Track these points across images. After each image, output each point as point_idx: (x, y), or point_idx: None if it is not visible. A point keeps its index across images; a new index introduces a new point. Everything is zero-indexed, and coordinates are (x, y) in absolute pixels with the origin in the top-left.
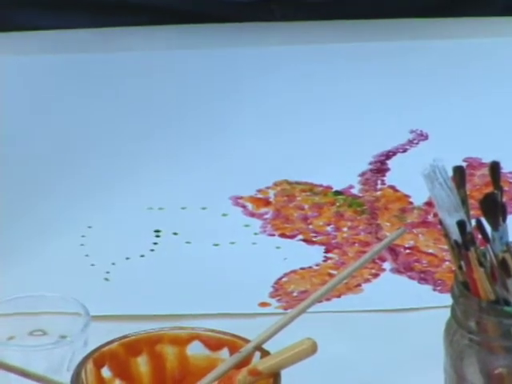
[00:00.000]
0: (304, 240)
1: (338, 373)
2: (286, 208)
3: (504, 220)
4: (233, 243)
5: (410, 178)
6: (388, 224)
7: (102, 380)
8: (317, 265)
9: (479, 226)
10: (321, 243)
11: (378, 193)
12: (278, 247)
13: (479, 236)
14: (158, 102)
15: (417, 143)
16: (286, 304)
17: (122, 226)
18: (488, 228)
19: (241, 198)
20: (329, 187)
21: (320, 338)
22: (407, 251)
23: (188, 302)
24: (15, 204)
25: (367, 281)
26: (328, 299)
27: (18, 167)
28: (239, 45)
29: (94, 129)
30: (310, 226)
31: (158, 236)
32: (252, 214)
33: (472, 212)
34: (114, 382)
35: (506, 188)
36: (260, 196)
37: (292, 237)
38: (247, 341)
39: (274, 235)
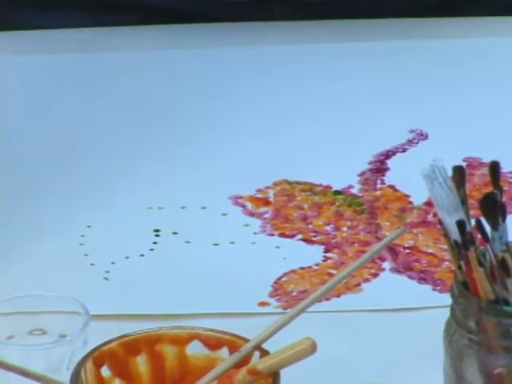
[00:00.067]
0: (303, 240)
1: (338, 372)
2: (285, 208)
3: (503, 220)
4: (232, 243)
5: (410, 178)
6: (387, 224)
7: (101, 379)
8: (316, 264)
9: (479, 225)
10: (320, 243)
11: (378, 192)
12: (277, 247)
13: (479, 236)
14: (158, 102)
15: (416, 143)
16: (285, 304)
17: (121, 225)
18: (487, 228)
19: (240, 197)
20: (328, 187)
21: (319, 338)
22: (407, 251)
23: (187, 301)
24: (15, 204)
25: (367, 280)
26: (327, 299)
27: (17, 167)
28: (239, 44)
29: (94, 128)
30: (310, 226)
31: (157, 235)
32: (252, 214)
33: (472, 212)
34: (114, 381)
35: (505, 188)
36: (260, 196)
37: (291, 236)
38: (247, 340)
39: (273, 235)
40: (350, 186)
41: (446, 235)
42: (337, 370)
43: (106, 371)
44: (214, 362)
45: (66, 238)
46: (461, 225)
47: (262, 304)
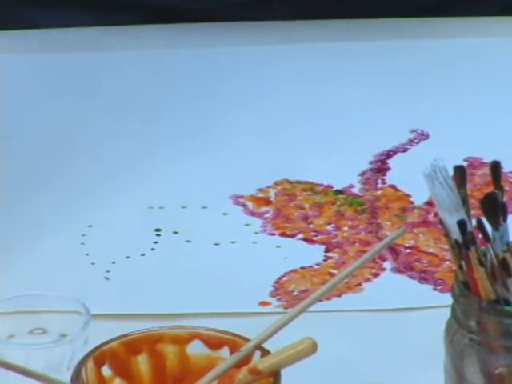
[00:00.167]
0: (304, 239)
1: (338, 372)
2: (286, 207)
3: (504, 220)
4: (233, 242)
5: (411, 178)
6: (388, 223)
7: (102, 379)
8: (317, 264)
9: (480, 225)
10: (321, 242)
11: (379, 192)
12: (278, 246)
13: (480, 236)
14: (159, 101)
15: (417, 142)
16: (286, 303)
17: (122, 224)
18: (488, 228)
19: (241, 197)
20: (329, 186)
21: (320, 338)
22: (408, 251)
23: (188, 301)
24: (15, 203)
25: (367, 280)
26: (328, 298)
27: (18, 166)
28: (240, 44)
29: (95, 128)
30: (311, 226)
31: (158, 235)
32: (252, 213)
33: (472, 212)
34: (114, 380)
35: (506, 188)
36: (260, 195)
37: (292, 236)
38: (247, 340)
39: (274, 234)
40: (351, 186)
41: (447, 235)
42: (337, 369)
43: (106, 371)
44: (214, 361)
45: (66, 238)
46: (462, 224)
47: (263, 303)
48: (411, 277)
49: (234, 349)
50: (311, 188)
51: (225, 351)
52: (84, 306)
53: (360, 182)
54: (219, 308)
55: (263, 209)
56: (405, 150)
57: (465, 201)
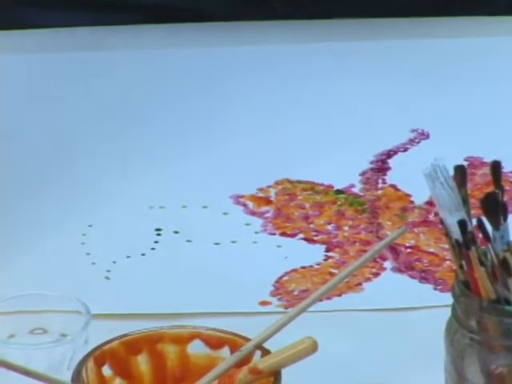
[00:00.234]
0: (305, 239)
1: (339, 372)
2: (286, 207)
3: (505, 219)
4: (234, 242)
5: (411, 177)
6: (389, 223)
7: (102, 378)
8: (318, 264)
9: (480, 225)
10: (322, 242)
11: (379, 192)
12: (278, 246)
13: (480, 235)
14: (159, 101)
15: (418, 142)
16: (286, 303)
17: (122, 224)
18: (489, 227)
19: (242, 196)
20: (330, 186)
21: (321, 337)
22: (408, 250)
23: (189, 300)
24: (16, 203)
25: (368, 280)
26: (329, 298)
27: (18, 166)
28: (241, 43)
29: (95, 127)
30: (311, 225)
31: (158, 235)
32: (253, 213)
33: (473, 211)
34: (115, 380)
35: (506, 187)
36: (261, 195)
37: (293, 236)
38: (248, 339)
39: (274, 234)
40: (352, 186)
41: (448, 235)
42: (338, 369)
43: (107, 370)
44: (215, 361)
45: (67, 237)
46: (462, 224)
47: (263, 303)
48: (412, 276)
49: (234, 348)
50: (312, 188)
51: (225, 351)
52: (84, 305)
53: (360, 181)
54: (219, 308)
55: (264, 208)
56: (405, 150)
57: (465, 200)
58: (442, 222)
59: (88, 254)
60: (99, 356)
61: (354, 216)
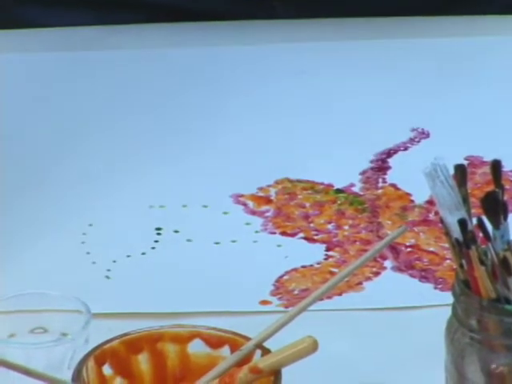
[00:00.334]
0: (305, 238)
1: (339, 371)
2: (287, 206)
3: (505, 218)
4: (234, 241)
5: (411, 176)
6: (389, 222)
7: (102, 377)
8: (318, 263)
9: (480, 224)
10: (322, 241)
11: (379, 191)
12: (279, 245)
13: (480, 234)
14: (161, 100)
15: (418, 141)
16: (286, 302)
17: (123, 223)
18: (489, 226)
19: (242, 196)
20: (330, 185)
21: (321, 336)
22: (408, 249)
23: (189, 299)
24: (16, 202)
25: (368, 279)
26: (329, 297)
27: (19, 165)
28: (241, 43)
29: (96, 127)
30: (311, 224)
31: (159, 234)
32: (253, 212)
33: (473, 210)
34: (115, 379)
35: (507, 186)
36: (261, 194)
37: (293, 235)
38: (248, 339)
39: (275, 233)
40: (352, 185)
41: (448, 234)
42: (338, 368)
43: (107, 369)
44: (215, 360)
45: (67, 237)
46: (462, 223)
47: (264, 302)
48: (412, 275)
49: (234, 348)
50: (312, 187)
51: (225, 350)
52: (85, 304)
53: (361, 180)
54: (220, 307)
55: (264, 208)
56: (405, 149)
57: (465, 199)
58: (442, 221)
59: (88, 253)
60: (99, 355)
61: (354, 215)
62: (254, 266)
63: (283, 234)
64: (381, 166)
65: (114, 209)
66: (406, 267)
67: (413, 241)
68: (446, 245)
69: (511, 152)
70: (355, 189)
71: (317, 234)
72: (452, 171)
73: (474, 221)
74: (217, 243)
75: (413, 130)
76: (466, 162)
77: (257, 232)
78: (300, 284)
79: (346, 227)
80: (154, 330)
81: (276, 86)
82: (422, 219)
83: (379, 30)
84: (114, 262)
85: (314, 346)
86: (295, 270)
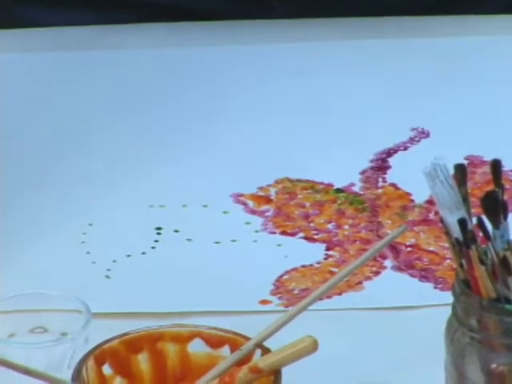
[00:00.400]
0: (305, 238)
1: (339, 370)
2: (287, 206)
3: (505, 218)
4: (234, 241)
5: (411, 176)
6: (389, 222)
7: (102, 377)
8: (318, 262)
9: (480, 223)
10: (322, 241)
11: (379, 190)
12: (279, 245)
13: (480, 234)
14: (160, 100)
15: (418, 141)
16: (286, 302)
17: (123, 223)
18: (489, 226)
19: (242, 195)
20: (330, 185)
21: (321, 336)
22: (408, 249)
23: (189, 299)
24: (16, 202)
25: (368, 278)
26: (329, 297)
27: (19, 165)
28: (241, 42)
29: (96, 126)
30: (311, 224)
31: (159, 233)
32: (253, 212)
33: (473, 210)
34: (115, 379)
35: (507, 186)
36: (261, 194)
37: (293, 234)
38: (248, 338)
39: (275, 233)
40: (352, 184)
41: (448, 233)
42: (338, 368)
43: (107, 369)
44: (215, 360)
45: (67, 236)
46: (462, 223)
47: (264, 302)
48: (412, 275)
49: (234, 347)
50: (312, 186)
51: (225, 350)
52: (85, 304)
53: (361, 180)
54: (220, 306)
55: (264, 207)
56: (405, 149)
57: (465, 199)
58: (442, 220)
59: (88, 252)
60: (99, 355)
61: (354, 215)
62: (254, 266)
63: (283, 233)
64: (381, 165)
65: (114, 208)
66: (406, 267)
67: (413, 240)
68: (446, 244)
69: (511, 152)
70: (355, 188)
71: (317, 234)
72: (452, 171)
73: (474, 220)
74: (217, 243)
75: (413, 129)
76: (465, 162)
77: (257, 231)
78: (300, 283)
79: (346, 227)
80: (154, 329)
81: (276, 86)
82: (422, 219)
83: (379, 30)
84: (114, 261)
85: (313, 346)
86: (295, 269)
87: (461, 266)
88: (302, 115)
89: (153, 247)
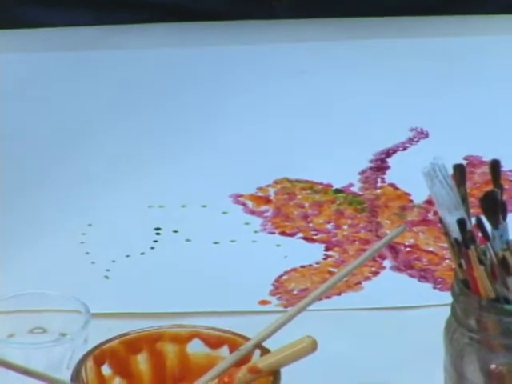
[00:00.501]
0: (304, 238)
1: (338, 371)
2: (286, 206)
3: (504, 218)
4: (233, 241)
5: (410, 176)
6: (388, 222)
7: (102, 377)
8: (317, 263)
9: (479, 224)
10: (321, 241)
11: (378, 191)
12: (278, 245)
13: (479, 234)
14: (160, 100)
15: (417, 141)
16: (286, 302)
17: (122, 223)
18: (488, 226)
19: (241, 195)
20: (329, 185)
21: (320, 336)
22: (407, 249)
23: (188, 299)
24: (15, 202)
25: (367, 279)
26: (328, 297)
27: (18, 165)
28: (241, 42)
29: (96, 127)
30: (311, 224)
31: (158, 234)
32: (252, 212)
33: (472, 210)
34: (114, 379)
35: (506, 186)
36: (260, 194)
37: (292, 235)
38: (247, 339)
39: (274, 233)
40: (351, 185)
41: (447, 233)
42: (337, 368)
43: (106, 369)
44: (214, 360)
45: (66, 237)
46: (461, 223)
47: (263, 302)
48: (411, 275)
49: (233, 348)
50: (311, 187)
51: (224, 350)
52: (84, 304)
53: (360, 180)
54: (219, 307)
55: (263, 207)
56: (404, 149)
57: (464, 199)
58: (441, 220)
59: (87, 253)
60: (99, 355)
61: (354, 215)
62: (253, 266)
63: (282, 233)
64: (380, 165)
65: (114, 209)
66: (405, 267)
67: (412, 240)
68: (445, 245)
69: (510, 152)
70: (354, 189)
71: (316, 234)
72: (451, 171)
73: (473, 220)
74: (216, 243)
75: (412, 129)
76: (464, 162)
77: (256, 232)
78: (299, 284)
79: (345, 227)
80: (154, 330)
81: (276, 86)
82: (421, 219)
83: (379, 30)
84: (114, 261)
85: (313, 346)
86: (294, 269)
87: (460, 266)
88: (301, 115)
89: (152, 247)
